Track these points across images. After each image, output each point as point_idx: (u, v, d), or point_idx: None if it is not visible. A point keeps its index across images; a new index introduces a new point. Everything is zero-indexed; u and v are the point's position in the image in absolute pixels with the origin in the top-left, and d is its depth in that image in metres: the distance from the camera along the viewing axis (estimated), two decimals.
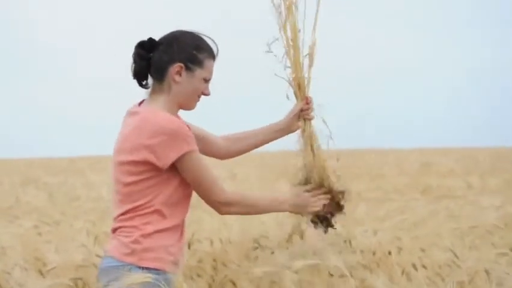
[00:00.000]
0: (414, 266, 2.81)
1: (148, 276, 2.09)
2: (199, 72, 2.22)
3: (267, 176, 13.79)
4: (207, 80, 2.25)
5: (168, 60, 2.21)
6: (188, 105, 2.27)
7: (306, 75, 2.45)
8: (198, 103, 2.29)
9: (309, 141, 2.45)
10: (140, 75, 2.26)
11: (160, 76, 2.22)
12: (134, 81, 2.28)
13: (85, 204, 8.33)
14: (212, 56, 2.25)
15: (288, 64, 2.44)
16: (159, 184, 2.17)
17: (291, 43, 2.42)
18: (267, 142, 2.53)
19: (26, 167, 22.41)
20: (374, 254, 3.06)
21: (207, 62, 2.23)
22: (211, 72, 2.25)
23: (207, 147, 2.44)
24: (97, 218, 5.49)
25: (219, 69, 2.32)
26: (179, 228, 2.23)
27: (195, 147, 2.17)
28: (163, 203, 2.18)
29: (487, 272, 2.53)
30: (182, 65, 2.20)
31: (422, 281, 2.69)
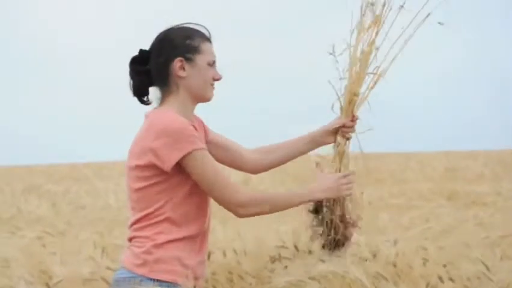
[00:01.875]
0: (440, 278, 2.80)
1: None
2: (199, 59, 2.25)
3: (282, 180, 13.79)
4: (211, 64, 2.27)
5: (166, 60, 2.24)
6: (204, 96, 2.29)
7: (361, 94, 2.39)
8: (214, 91, 2.30)
9: (340, 159, 2.43)
10: (140, 91, 2.29)
11: (164, 80, 2.25)
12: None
13: (91, 214, 8.37)
14: (205, 38, 2.28)
15: (346, 75, 2.38)
16: (168, 190, 2.18)
17: (360, 56, 2.34)
18: (302, 154, 2.53)
19: (27, 174, 22.52)
20: (395, 265, 3.06)
21: (203, 46, 2.26)
22: (211, 54, 2.27)
23: (230, 157, 2.45)
24: (104, 228, 5.52)
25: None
26: (197, 239, 2.22)
27: (201, 146, 2.17)
28: (174, 210, 2.18)
29: None
30: (181, 58, 2.23)
31: None
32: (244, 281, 2.77)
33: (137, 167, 2.19)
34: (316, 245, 3.41)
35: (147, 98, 2.30)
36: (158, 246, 2.17)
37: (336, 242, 2.37)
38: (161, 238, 2.17)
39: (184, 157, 2.14)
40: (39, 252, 3.70)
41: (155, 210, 2.19)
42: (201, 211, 2.24)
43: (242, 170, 2.51)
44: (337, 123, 2.45)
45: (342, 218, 2.42)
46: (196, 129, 2.22)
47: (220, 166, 2.27)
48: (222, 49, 2.33)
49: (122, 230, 5.04)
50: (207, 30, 2.31)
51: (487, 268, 2.71)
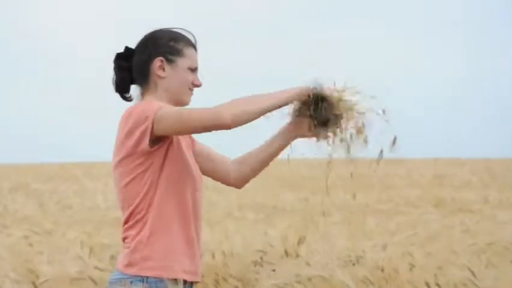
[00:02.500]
0: (427, 284, 2.81)
1: None
2: (181, 62, 2.24)
3: (271, 185, 13.80)
4: (192, 70, 2.26)
5: (147, 59, 2.23)
6: (181, 99, 2.27)
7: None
8: (192, 96, 2.28)
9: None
10: (122, 87, 2.29)
11: (144, 77, 2.25)
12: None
13: (78, 213, 8.34)
14: (190, 44, 2.28)
15: None
16: (147, 183, 2.16)
17: None
18: (277, 152, 2.46)
19: (15, 172, 22.42)
20: (382, 270, 3.06)
21: (187, 51, 2.25)
22: (194, 61, 2.27)
23: (215, 169, 2.38)
24: (92, 228, 5.50)
25: None
26: (184, 232, 2.22)
27: (162, 106, 2.14)
28: (155, 205, 2.17)
29: None
30: (162, 58, 2.22)
31: None
32: (229, 283, 2.77)
33: (119, 162, 2.19)
34: (302, 248, 3.41)
35: (129, 94, 2.30)
36: (143, 243, 2.16)
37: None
38: (145, 234, 2.17)
39: (151, 124, 2.10)
40: (26, 251, 3.68)
41: (137, 205, 2.18)
42: (183, 204, 2.22)
43: (227, 184, 2.46)
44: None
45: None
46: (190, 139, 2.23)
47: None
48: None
49: (110, 230, 5.03)
50: (194, 37, 2.31)
51: (474, 275, 2.72)
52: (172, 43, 2.25)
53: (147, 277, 2.15)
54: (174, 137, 2.20)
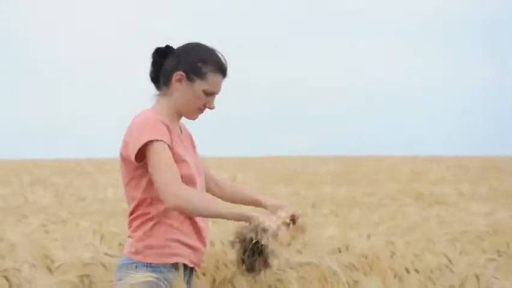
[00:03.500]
0: (406, 269, 2.80)
1: (149, 276, 2.10)
2: (199, 84, 2.20)
3: (266, 179, 13.79)
4: (208, 93, 2.21)
5: (173, 67, 2.22)
6: (188, 114, 2.26)
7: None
8: (202, 115, 2.26)
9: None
10: (153, 79, 2.27)
11: (166, 81, 2.24)
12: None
13: (91, 205, 8.33)
14: (218, 70, 2.22)
15: None
16: (146, 183, 2.16)
17: None
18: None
19: (35, 168, 22.38)
20: (366, 257, 3.06)
21: (211, 76, 2.20)
22: (214, 87, 2.22)
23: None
24: (103, 218, 5.50)
25: None
26: (185, 225, 2.21)
27: (160, 138, 2.11)
28: (156, 201, 2.16)
29: (476, 276, 2.53)
30: (183, 73, 2.20)
31: (414, 285, 2.69)
32: (228, 268, 2.76)
33: (122, 161, 2.20)
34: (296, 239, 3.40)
35: (157, 88, 2.29)
36: (146, 234, 2.18)
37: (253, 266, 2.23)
38: (148, 226, 2.18)
39: (143, 147, 2.11)
40: (42, 238, 3.67)
41: (140, 201, 2.19)
42: None
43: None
44: (284, 214, 2.30)
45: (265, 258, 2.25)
46: (168, 129, 2.16)
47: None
48: None
49: (119, 219, 5.03)
50: (226, 65, 2.24)
51: (449, 261, 2.71)
52: (199, 64, 2.20)
53: (150, 263, 2.16)
54: (170, 143, 2.16)
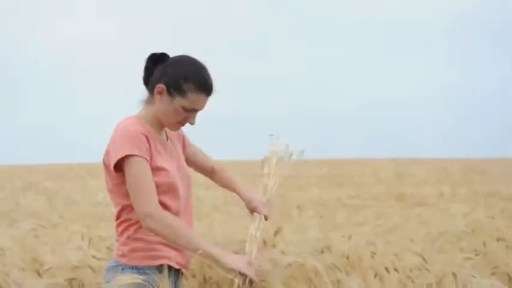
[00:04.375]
0: (387, 269, 2.81)
1: (135, 277, 2.09)
2: (178, 100, 2.15)
3: (246, 183, 13.76)
4: (187, 110, 2.17)
5: (158, 78, 2.18)
6: (167, 126, 2.23)
7: None
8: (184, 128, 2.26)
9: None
10: (143, 82, 2.25)
11: (151, 89, 2.21)
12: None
13: (81, 209, 8.27)
14: (200, 90, 2.16)
15: None
16: (127, 191, 2.13)
17: None
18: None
19: (27, 172, 22.22)
20: (348, 257, 3.06)
21: (191, 94, 2.15)
22: (194, 104, 2.16)
23: (200, 167, 2.47)
24: (92, 222, 5.46)
25: None
26: (177, 217, 2.21)
27: (139, 153, 2.08)
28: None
29: (454, 275, 2.54)
30: (164, 87, 2.16)
31: (393, 284, 2.69)
32: (213, 269, 2.75)
33: (104, 168, 2.18)
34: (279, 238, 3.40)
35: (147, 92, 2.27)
36: (131, 238, 2.17)
37: None
38: (132, 231, 2.17)
39: (122, 159, 2.08)
40: (32, 242, 3.64)
41: (123, 207, 2.18)
42: (166, 203, 2.19)
43: (203, 174, 2.54)
44: (259, 210, 2.42)
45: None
46: (148, 140, 2.12)
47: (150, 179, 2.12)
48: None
49: (108, 223, 5.00)
50: (211, 85, 2.19)
51: (425, 260, 2.72)
52: (181, 81, 2.15)
53: (135, 266, 2.16)
54: (148, 156, 2.13)
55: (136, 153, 2.08)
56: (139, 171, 2.08)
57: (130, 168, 2.08)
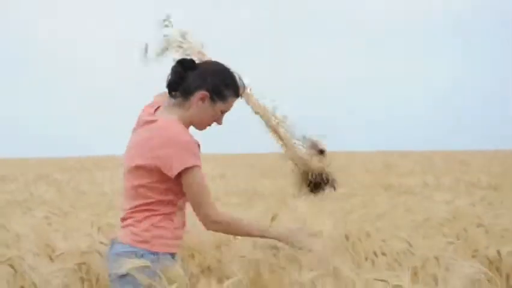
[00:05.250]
0: (375, 253, 2.83)
1: (145, 262, 2.10)
2: (219, 105, 2.23)
3: (252, 174, 13.79)
4: (223, 112, 2.26)
5: (199, 85, 2.20)
6: (199, 127, 2.28)
7: None
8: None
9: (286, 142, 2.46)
10: (171, 87, 2.25)
11: (187, 94, 2.22)
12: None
13: (90, 199, 8.27)
14: (237, 94, 2.27)
15: None
16: (170, 188, 2.18)
17: None
18: None
19: (39, 165, 22.19)
20: (341, 242, 3.08)
21: (230, 99, 2.25)
22: (229, 108, 2.27)
23: None
24: (100, 210, 5.46)
25: None
26: (181, 218, 2.26)
27: (200, 163, 2.13)
28: (170, 202, 2.21)
29: (436, 258, 2.55)
30: (208, 94, 2.20)
31: (382, 266, 2.71)
32: (207, 254, 2.76)
33: (144, 167, 2.16)
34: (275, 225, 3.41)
35: (175, 93, 2.27)
36: (154, 225, 2.19)
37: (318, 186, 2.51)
38: (156, 219, 2.19)
39: (185, 169, 2.11)
40: (45, 229, 3.64)
41: (157, 201, 2.20)
42: (183, 197, 2.24)
43: None
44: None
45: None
46: (198, 146, 2.19)
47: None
48: None
49: (115, 212, 5.00)
50: (243, 88, 2.31)
51: (411, 245, 2.74)
52: (223, 88, 2.21)
53: (157, 252, 2.16)
54: None
55: (199, 164, 2.13)
56: (202, 181, 2.15)
57: (194, 177, 2.13)
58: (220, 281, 2.10)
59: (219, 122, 2.27)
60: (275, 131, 2.45)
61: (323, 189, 2.48)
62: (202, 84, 2.19)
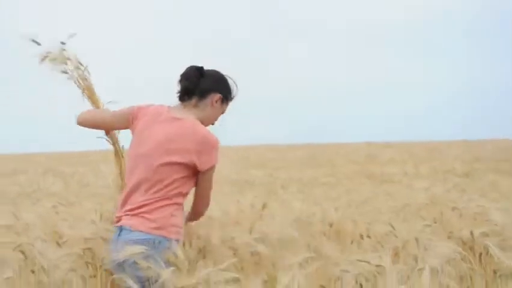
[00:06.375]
0: (361, 236, 2.84)
1: (157, 249, 2.15)
2: (225, 106, 2.41)
3: (243, 165, 13.80)
4: (223, 113, 2.43)
5: (214, 88, 2.36)
6: (206, 125, 2.39)
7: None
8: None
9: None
10: (186, 91, 2.37)
11: (203, 97, 2.35)
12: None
13: (94, 190, 8.25)
14: (233, 98, 2.44)
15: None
16: (190, 180, 2.28)
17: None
18: None
19: (46, 159, 22.09)
20: (331, 225, 3.09)
21: (230, 102, 2.43)
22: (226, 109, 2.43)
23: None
24: (103, 200, 5.45)
25: None
26: (182, 207, 2.36)
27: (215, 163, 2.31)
28: (186, 192, 2.30)
29: (416, 239, 2.57)
30: (222, 96, 2.38)
31: (367, 248, 2.73)
32: (210, 239, 2.76)
33: (178, 164, 2.24)
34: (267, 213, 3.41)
35: (187, 97, 2.38)
36: (171, 213, 2.26)
37: None
38: (172, 209, 2.25)
39: (213, 166, 2.27)
40: (53, 218, 3.64)
41: (179, 193, 2.27)
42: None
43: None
44: None
45: None
46: None
47: None
48: None
49: (117, 202, 4.99)
50: (236, 93, 2.46)
51: (393, 228, 2.75)
52: (232, 93, 2.42)
53: (171, 238, 2.19)
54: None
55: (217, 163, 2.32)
56: (213, 178, 2.34)
57: (211, 175, 2.32)
58: (216, 263, 2.11)
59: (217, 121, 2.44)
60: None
61: None
62: (216, 88, 2.36)
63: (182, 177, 2.24)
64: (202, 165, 2.24)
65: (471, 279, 2.30)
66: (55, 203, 4.78)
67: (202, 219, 2.66)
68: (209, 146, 2.25)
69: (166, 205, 2.23)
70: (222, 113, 2.42)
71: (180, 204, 2.26)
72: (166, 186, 2.23)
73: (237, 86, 2.45)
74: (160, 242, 2.16)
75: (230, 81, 2.43)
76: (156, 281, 2.03)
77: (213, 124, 2.42)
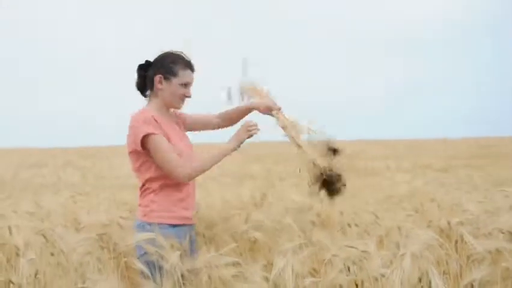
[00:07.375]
0: (349, 225, 2.84)
1: (151, 234, 2.09)
2: (175, 80, 2.21)
3: (243, 159, 13.79)
4: (185, 85, 2.22)
5: (153, 73, 2.22)
6: (173, 105, 2.26)
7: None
8: (185, 103, 2.28)
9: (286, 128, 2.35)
10: (140, 89, 2.29)
11: (152, 86, 2.25)
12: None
13: (108, 181, 8.25)
14: (186, 67, 2.21)
15: None
16: (150, 163, 2.17)
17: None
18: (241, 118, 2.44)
19: (65, 153, 22.06)
20: (319, 215, 3.09)
21: (181, 71, 2.21)
22: (185, 79, 2.21)
23: (203, 126, 2.44)
24: (117, 191, 5.46)
25: None
26: (178, 193, 2.23)
27: (155, 131, 2.12)
28: (159, 179, 2.19)
29: (398, 228, 2.58)
30: (161, 75, 2.21)
31: (354, 235, 2.73)
32: (213, 227, 2.76)
33: (129, 153, 2.21)
34: (265, 202, 3.40)
35: (146, 93, 2.30)
36: (151, 200, 2.21)
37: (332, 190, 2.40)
38: (151, 197, 2.21)
39: (143, 138, 2.11)
40: (72, 206, 3.64)
41: (146, 180, 2.21)
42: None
43: (212, 129, 2.47)
44: (273, 106, 2.35)
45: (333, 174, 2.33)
46: (156, 121, 2.15)
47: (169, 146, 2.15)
48: None
49: (130, 191, 5.00)
50: (190, 61, 2.24)
51: (378, 217, 2.75)
52: (171, 65, 2.21)
53: (151, 223, 2.18)
54: (164, 134, 2.15)
55: (155, 132, 2.12)
56: (161, 144, 2.12)
57: (152, 144, 2.11)
58: (217, 249, 2.10)
59: (187, 94, 2.23)
60: (296, 142, 2.38)
61: (336, 188, 2.36)
62: (156, 71, 2.20)
63: (142, 164, 2.16)
64: (137, 145, 2.11)
65: (447, 263, 2.31)
66: (74, 193, 4.78)
67: (204, 210, 2.65)
68: (131, 124, 2.12)
69: (146, 193, 2.20)
70: (185, 86, 2.20)
71: (157, 190, 2.17)
72: (138, 176, 2.22)
73: (184, 56, 2.20)
74: (143, 227, 2.14)
75: (171, 54, 2.20)
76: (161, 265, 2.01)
77: (181, 100, 2.21)
